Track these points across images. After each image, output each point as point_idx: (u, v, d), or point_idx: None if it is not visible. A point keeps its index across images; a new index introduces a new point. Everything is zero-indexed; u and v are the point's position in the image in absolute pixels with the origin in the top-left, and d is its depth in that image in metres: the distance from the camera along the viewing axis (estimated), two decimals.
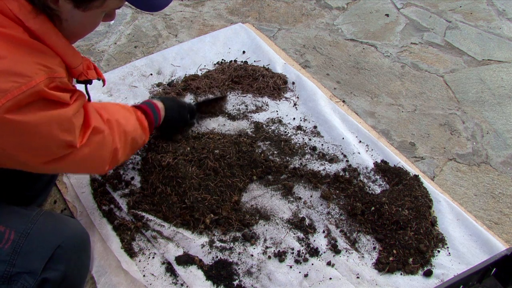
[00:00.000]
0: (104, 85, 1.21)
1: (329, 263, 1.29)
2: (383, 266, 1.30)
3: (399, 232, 1.35)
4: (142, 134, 1.27)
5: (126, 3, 0.97)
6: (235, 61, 2.03)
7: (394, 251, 1.32)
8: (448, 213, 1.44)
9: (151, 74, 1.95)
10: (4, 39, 0.83)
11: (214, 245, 1.32)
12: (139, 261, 1.29)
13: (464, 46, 2.29)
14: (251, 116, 1.75)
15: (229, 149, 1.52)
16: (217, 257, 1.29)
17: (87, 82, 1.08)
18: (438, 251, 1.34)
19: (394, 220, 1.37)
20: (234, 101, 1.81)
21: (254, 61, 2.02)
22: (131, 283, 1.23)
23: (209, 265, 1.27)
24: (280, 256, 1.30)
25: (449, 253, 1.34)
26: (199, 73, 1.97)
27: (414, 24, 2.44)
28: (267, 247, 1.33)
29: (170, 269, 1.27)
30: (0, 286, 0.90)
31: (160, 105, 1.40)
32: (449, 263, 1.31)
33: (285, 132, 1.69)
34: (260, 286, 1.24)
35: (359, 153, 1.60)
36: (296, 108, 1.81)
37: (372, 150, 1.64)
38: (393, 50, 2.25)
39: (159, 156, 1.47)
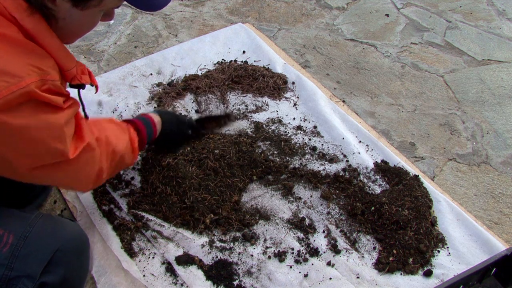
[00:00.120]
0: (96, 91, 1.16)
1: (329, 263, 1.29)
2: (383, 266, 1.30)
3: (399, 232, 1.35)
4: (131, 155, 1.21)
5: (125, 2, 0.96)
6: (235, 61, 2.03)
7: (394, 251, 1.32)
8: (448, 213, 1.44)
9: (151, 74, 1.95)
10: None
11: (214, 245, 1.32)
12: (139, 261, 1.29)
13: (464, 46, 2.29)
14: (251, 116, 1.75)
15: (229, 149, 1.52)
16: (217, 257, 1.29)
17: (80, 86, 1.05)
18: (438, 251, 1.34)
19: (394, 220, 1.37)
20: (234, 101, 1.82)
21: (254, 61, 2.02)
22: (131, 283, 1.23)
23: (209, 265, 1.27)
24: (280, 256, 1.30)
25: (449, 253, 1.34)
26: (199, 73, 1.97)
27: (414, 24, 2.44)
28: (267, 247, 1.33)
29: (170, 269, 1.27)
30: None
31: (156, 119, 1.33)
32: (449, 263, 1.31)
33: (285, 132, 1.69)
34: (260, 286, 1.24)
35: (359, 153, 1.60)
36: (296, 108, 1.81)
37: (372, 150, 1.64)
38: (393, 50, 2.24)
39: (159, 156, 1.48)
